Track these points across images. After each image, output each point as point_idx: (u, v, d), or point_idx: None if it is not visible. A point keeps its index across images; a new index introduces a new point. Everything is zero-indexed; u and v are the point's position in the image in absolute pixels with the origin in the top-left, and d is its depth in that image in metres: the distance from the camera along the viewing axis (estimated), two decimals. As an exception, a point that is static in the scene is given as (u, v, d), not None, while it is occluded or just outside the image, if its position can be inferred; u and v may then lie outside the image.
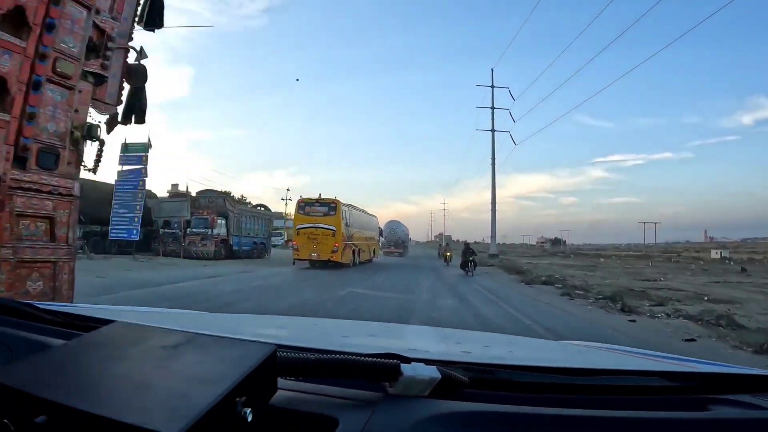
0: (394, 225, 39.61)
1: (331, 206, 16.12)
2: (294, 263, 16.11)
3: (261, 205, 27.29)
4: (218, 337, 0.62)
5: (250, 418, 0.47)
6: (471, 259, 15.21)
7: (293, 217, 17.73)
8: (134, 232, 14.75)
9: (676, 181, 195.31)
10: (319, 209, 16.09)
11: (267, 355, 0.53)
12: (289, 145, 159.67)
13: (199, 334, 0.62)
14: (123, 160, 15.34)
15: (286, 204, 54.82)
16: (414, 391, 0.60)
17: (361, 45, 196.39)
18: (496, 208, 28.67)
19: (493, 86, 28.98)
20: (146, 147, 15.09)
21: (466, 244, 16.41)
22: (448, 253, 20.81)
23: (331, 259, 15.41)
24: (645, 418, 0.59)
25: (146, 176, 15.02)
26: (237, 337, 0.68)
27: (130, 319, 0.80)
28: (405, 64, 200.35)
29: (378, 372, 0.60)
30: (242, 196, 64.11)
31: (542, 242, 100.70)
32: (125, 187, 15.09)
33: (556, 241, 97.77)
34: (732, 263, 29.24)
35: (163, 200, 18.47)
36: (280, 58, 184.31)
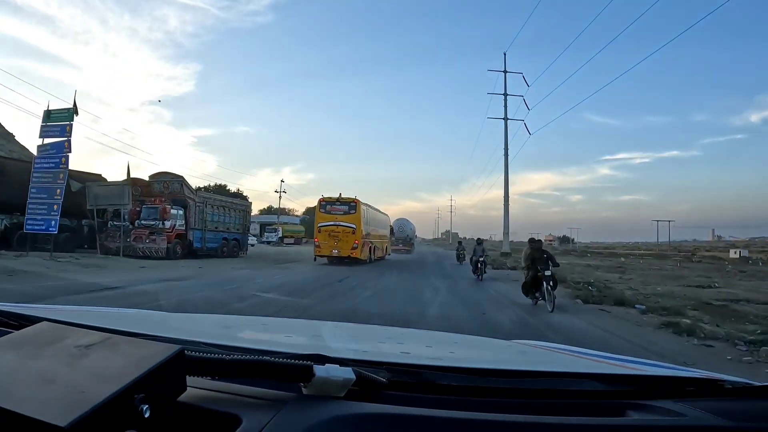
0: (402, 222, 38.47)
1: (351, 205, 16.71)
2: (315, 259, 16.72)
3: (238, 194, 23.63)
4: (131, 337, 0.65)
5: (147, 414, 0.48)
6: (481, 259, 12.20)
7: (315, 214, 18.00)
8: (53, 223, 11.51)
9: (683, 179, 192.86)
10: (339, 208, 16.70)
11: (173, 355, 0.54)
12: (296, 141, 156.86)
13: (115, 334, 0.64)
14: (44, 132, 12.15)
15: (279, 197, 51.03)
16: (329, 392, 0.61)
17: (369, 41, 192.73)
18: (502, 205, 26.54)
19: (505, 71, 26.56)
20: (71, 113, 11.87)
21: (479, 241, 13.23)
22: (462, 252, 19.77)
23: (351, 255, 15.99)
24: (557, 423, 0.60)
25: (70, 151, 11.78)
26: (157, 335, 0.79)
27: (72, 318, 0.87)
28: (412, 61, 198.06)
29: (289, 373, 0.61)
30: (238, 189, 59.16)
31: (550, 240, 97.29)
32: (45, 165, 11.88)
33: (564, 239, 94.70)
34: (761, 264, 26.23)
35: (98, 185, 14.87)
36: (287, 55, 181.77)
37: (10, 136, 23.27)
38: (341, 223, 16.39)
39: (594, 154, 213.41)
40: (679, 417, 0.63)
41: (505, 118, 26.48)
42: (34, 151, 13.24)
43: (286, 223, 54.07)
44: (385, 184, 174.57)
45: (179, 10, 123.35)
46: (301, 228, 54.07)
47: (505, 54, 27.51)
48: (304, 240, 54.35)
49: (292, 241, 48.17)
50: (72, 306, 1.54)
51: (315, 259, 16.67)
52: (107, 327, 0.78)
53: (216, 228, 17.46)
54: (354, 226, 16.44)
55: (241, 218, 19.33)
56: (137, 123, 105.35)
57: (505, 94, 26.65)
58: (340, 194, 17.12)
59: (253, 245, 34.22)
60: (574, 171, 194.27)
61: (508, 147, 26.60)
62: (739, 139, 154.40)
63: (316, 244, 16.73)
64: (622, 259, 27.93)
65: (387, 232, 23.36)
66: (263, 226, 48.23)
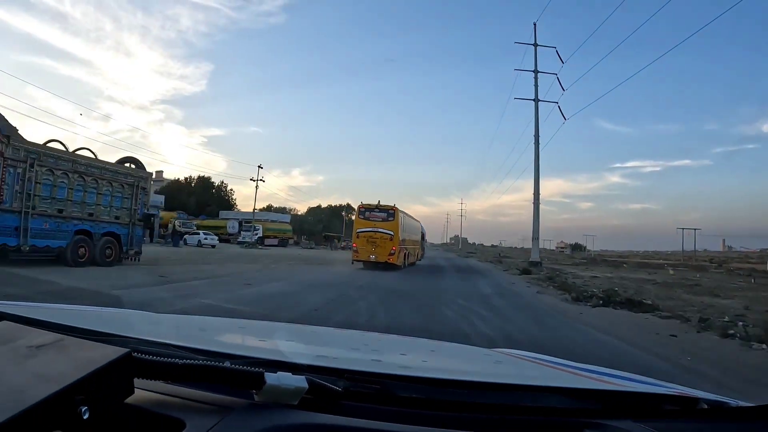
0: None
1: (389, 212, 17.13)
2: (352, 263, 17.10)
3: (129, 159, 12.64)
4: (84, 339, 0.65)
5: (86, 416, 0.49)
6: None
7: (354, 220, 18.30)
8: None
9: (693, 188, 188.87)
10: (378, 215, 17.13)
11: (119, 357, 0.55)
12: (306, 143, 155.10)
13: (70, 335, 0.65)
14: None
15: (256, 186, 39.22)
16: (281, 399, 0.60)
17: (379, 43, 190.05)
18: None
19: (536, 44, 21.80)
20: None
21: None
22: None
23: (389, 261, 16.33)
24: None
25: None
26: (117, 333, 0.79)
27: (39, 315, 0.86)
28: (424, 64, 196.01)
29: (239, 379, 0.60)
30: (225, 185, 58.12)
31: (562, 247, 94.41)
32: None
33: (577, 246, 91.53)
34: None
35: None
36: (299, 56, 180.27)
37: (13, 130, 21.22)
38: (380, 230, 16.84)
39: (604, 161, 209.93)
40: None
41: (536, 99, 21.79)
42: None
43: (268, 221, 44.89)
44: (395, 188, 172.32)
45: (192, 10, 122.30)
46: (288, 227, 47.49)
47: (535, 24, 22.89)
48: (291, 241, 46.29)
49: (275, 241, 40.98)
50: (47, 304, 1.42)
51: (352, 263, 17.24)
52: (69, 325, 0.81)
53: (62, 212, 9.90)
54: (392, 233, 16.77)
55: (126, 196, 11.50)
56: (148, 122, 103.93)
57: (536, 71, 22.04)
58: (379, 201, 17.55)
59: (213, 246, 27.88)
60: (584, 178, 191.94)
61: (539, 130, 21.88)
62: (750, 149, 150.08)
63: (354, 249, 17.24)
64: (671, 272, 23.96)
65: (419, 237, 23.80)
66: (242, 224, 40.66)
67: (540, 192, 21.97)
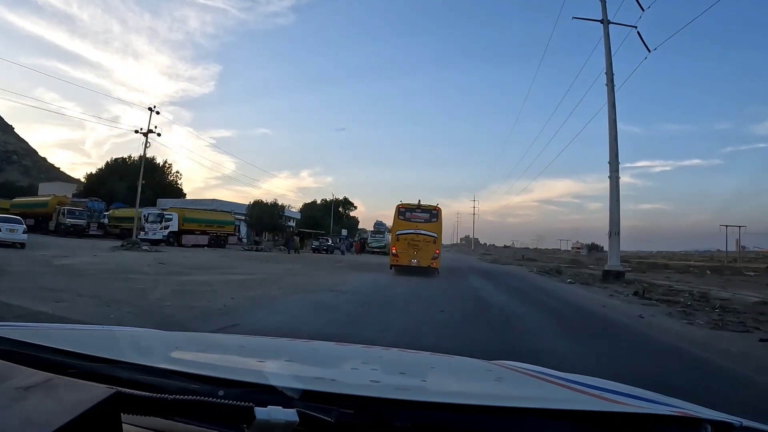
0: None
1: (432, 213, 15.78)
2: (391, 267, 15.34)
3: None
4: (71, 378, 0.67)
5: None
6: None
7: (393, 222, 16.18)
8: None
9: (703, 188, 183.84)
10: (420, 215, 15.76)
11: (106, 398, 0.56)
12: (314, 144, 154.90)
13: (56, 375, 0.66)
14: None
15: (146, 140, 24.55)
16: None
17: (388, 44, 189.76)
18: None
19: None
20: None
21: None
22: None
23: (431, 265, 15.00)
24: None
25: None
26: (110, 358, 0.79)
27: (35, 339, 0.88)
28: (432, 63, 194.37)
29: (228, 415, 0.60)
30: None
31: (578, 248, 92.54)
32: None
33: (593, 247, 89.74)
34: None
35: None
36: (307, 57, 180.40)
37: (9, 129, 21.09)
38: (422, 232, 15.35)
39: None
40: None
41: (605, 21, 17.05)
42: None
43: (192, 209, 31.93)
44: (403, 188, 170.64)
45: (199, 11, 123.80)
46: (229, 219, 33.39)
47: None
48: (236, 239, 34.10)
49: (203, 239, 28.44)
50: (44, 324, 1.36)
51: (391, 268, 15.51)
52: (61, 348, 0.81)
53: None
54: (435, 235, 15.39)
55: None
56: (156, 123, 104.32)
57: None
58: (419, 201, 16.01)
59: (21, 244, 15.73)
60: (594, 178, 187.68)
61: (612, 65, 16.90)
62: (761, 148, 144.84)
63: (394, 253, 15.54)
64: (719, 277, 20.29)
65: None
66: (147, 216, 27.47)
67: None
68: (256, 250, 29.51)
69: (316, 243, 36.71)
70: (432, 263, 15.16)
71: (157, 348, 1.21)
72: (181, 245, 26.17)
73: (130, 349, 1.08)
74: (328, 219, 54.51)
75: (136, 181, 26.08)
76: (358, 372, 1.14)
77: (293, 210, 51.83)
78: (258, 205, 44.12)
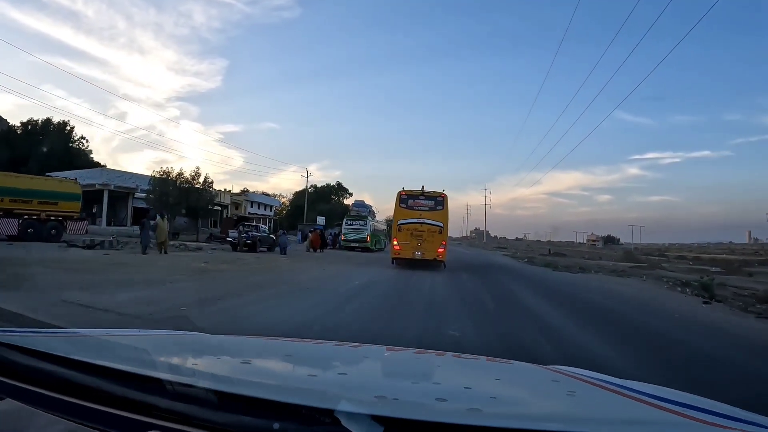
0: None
1: (438, 200, 14.07)
2: (393, 262, 14.20)
3: None
4: (92, 429, 0.64)
5: None
6: None
7: (395, 210, 14.60)
8: None
9: (714, 179, 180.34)
10: (424, 203, 14.06)
11: None
12: (322, 138, 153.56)
13: (78, 423, 0.64)
14: None
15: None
16: None
17: (395, 36, 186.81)
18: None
19: None
20: None
21: None
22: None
23: (437, 258, 13.68)
24: None
25: None
26: (145, 374, 0.70)
27: (59, 348, 0.80)
28: (441, 55, 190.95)
29: None
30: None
31: (594, 241, 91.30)
32: None
33: (609, 239, 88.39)
34: None
35: None
36: (314, 50, 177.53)
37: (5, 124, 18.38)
38: (426, 221, 13.76)
39: (623, 153, 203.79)
40: None
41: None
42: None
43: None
44: (412, 181, 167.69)
45: (205, 5, 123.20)
46: (72, 191, 19.49)
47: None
48: (83, 225, 21.29)
49: (12, 226, 16.74)
50: (67, 329, 1.30)
51: (393, 262, 14.29)
52: (85, 361, 0.74)
53: None
54: (441, 224, 13.79)
55: None
56: (163, 119, 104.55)
57: None
58: (423, 187, 14.23)
59: None
60: (603, 171, 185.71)
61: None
62: None
63: (395, 244, 14.07)
64: None
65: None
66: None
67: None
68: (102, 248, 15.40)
69: (234, 234, 22.48)
70: (438, 255, 13.72)
71: (200, 359, 1.09)
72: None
73: (169, 358, 0.99)
74: (318, 207, 48.00)
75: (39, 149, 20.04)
76: (419, 386, 1.03)
77: (282, 199, 44.53)
78: (165, 180, 27.16)
